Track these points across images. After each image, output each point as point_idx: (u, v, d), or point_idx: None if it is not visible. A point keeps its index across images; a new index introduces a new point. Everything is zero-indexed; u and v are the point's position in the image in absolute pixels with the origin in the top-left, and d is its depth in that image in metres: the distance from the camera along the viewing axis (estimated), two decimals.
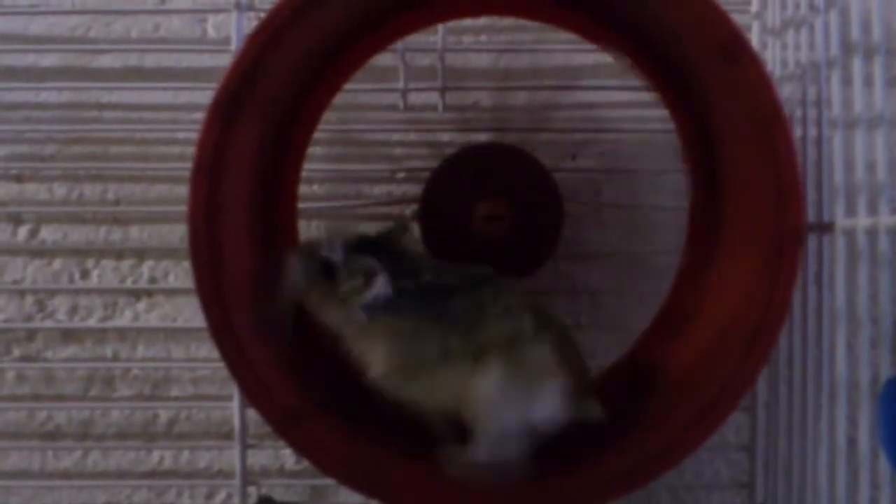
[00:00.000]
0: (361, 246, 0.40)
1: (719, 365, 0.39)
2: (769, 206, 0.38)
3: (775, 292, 0.37)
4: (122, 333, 0.55)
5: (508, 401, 0.39)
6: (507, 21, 0.54)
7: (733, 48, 0.37)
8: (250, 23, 0.49)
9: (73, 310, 0.55)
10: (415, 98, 0.54)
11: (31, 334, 0.55)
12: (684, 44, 0.41)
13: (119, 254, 0.55)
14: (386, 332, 0.39)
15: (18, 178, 0.55)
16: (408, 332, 0.39)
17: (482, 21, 0.54)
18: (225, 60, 0.46)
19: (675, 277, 0.48)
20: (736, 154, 0.42)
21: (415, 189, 0.52)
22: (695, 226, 0.47)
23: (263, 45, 0.39)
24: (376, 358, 0.39)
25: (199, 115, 0.39)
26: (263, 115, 0.41)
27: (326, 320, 0.40)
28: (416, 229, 0.45)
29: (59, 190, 0.55)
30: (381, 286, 0.38)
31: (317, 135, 0.48)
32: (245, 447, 0.50)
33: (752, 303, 0.38)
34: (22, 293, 0.55)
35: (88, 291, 0.55)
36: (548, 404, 0.39)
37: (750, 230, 0.40)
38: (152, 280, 0.55)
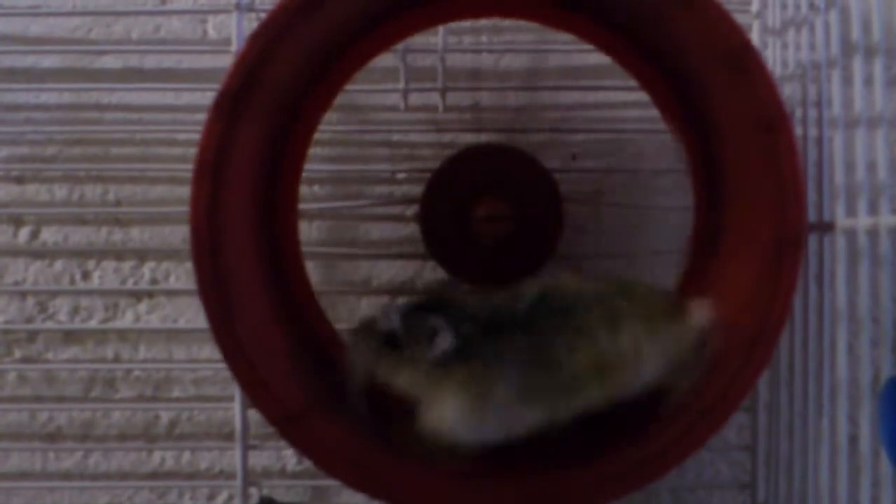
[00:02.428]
0: (416, 308, 0.40)
1: (720, 366, 0.39)
2: (770, 207, 0.38)
3: (777, 294, 0.37)
4: (123, 334, 0.55)
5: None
6: (508, 22, 0.54)
7: (742, 58, 0.37)
8: (251, 23, 0.49)
9: (75, 311, 0.55)
10: (415, 99, 0.54)
11: (32, 335, 0.55)
12: (686, 46, 0.41)
13: (120, 255, 0.55)
14: (458, 382, 0.39)
15: (19, 180, 0.55)
16: (479, 376, 0.39)
17: (483, 22, 0.54)
18: (226, 61, 0.47)
19: (674, 278, 0.48)
20: (737, 156, 0.41)
21: (415, 189, 0.52)
22: (695, 226, 0.47)
23: (265, 45, 0.39)
24: (449, 408, 0.39)
25: (200, 116, 0.39)
26: (265, 115, 0.41)
27: (401, 388, 0.40)
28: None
29: (60, 191, 0.55)
30: (444, 339, 0.38)
31: (318, 135, 0.48)
32: (246, 448, 0.50)
33: (753, 304, 0.38)
34: (23, 294, 0.55)
35: (90, 293, 0.55)
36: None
37: (751, 231, 0.40)
38: (153, 281, 0.55)
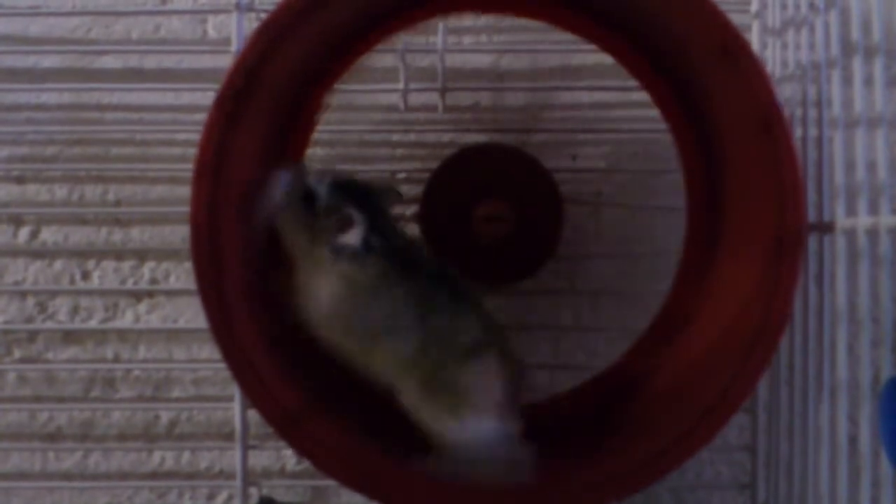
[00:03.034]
0: (348, 190, 0.40)
1: (720, 367, 0.39)
2: (770, 206, 0.38)
3: (776, 294, 0.37)
4: (123, 335, 0.55)
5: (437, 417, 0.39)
6: (507, 21, 0.54)
7: (733, 50, 0.37)
8: (251, 23, 0.49)
9: (74, 311, 0.55)
10: (415, 99, 0.54)
11: (32, 335, 0.55)
12: (684, 45, 0.41)
13: (120, 255, 0.55)
14: (340, 279, 0.39)
15: (19, 180, 0.55)
16: (360, 287, 0.39)
17: (482, 22, 0.54)
18: (225, 61, 0.47)
19: (674, 278, 0.48)
20: (736, 155, 0.42)
21: (415, 190, 0.52)
22: (694, 226, 0.47)
23: (266, 45, 0.39)
24: (320, 300, 0.39)
25: (200, 116, 0.39)
26: (265, 115, 0.41)
27: (289, 244, 0.40)
28: (401, 195, 0.45)
29: (60, 191, 0.55)
30: (354, 235, 0.39)
31: (317, 135, 0.48)
32: (246, 448, 0.50)
33: (753, 305, 0.38)
34: (23, 294, 0.55)
35: (89, 293, 0.55)
36: (479, 425, 0.39)
37: (750, 231, 0.40)
38: (153, 281, 0.55)
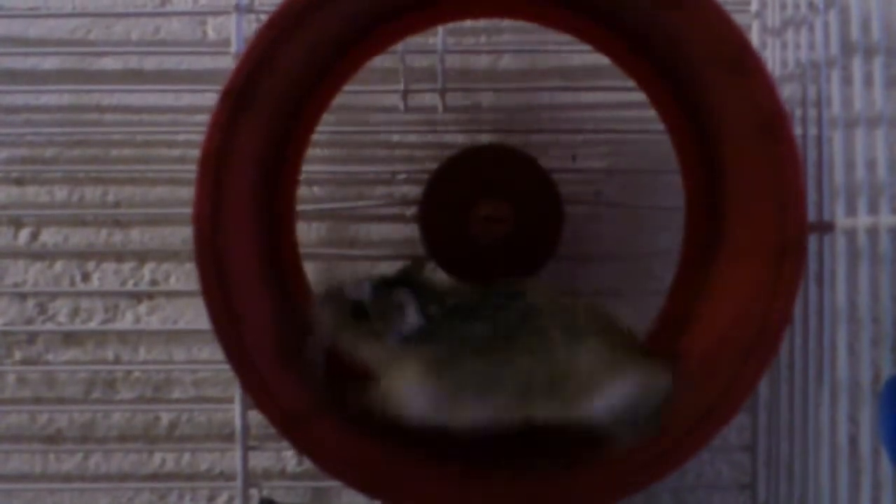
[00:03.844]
0: (386, 283, 0.41)
1: (720, 368, 0.39)
2: (771, 209, 0.38)
3: (777, 296, 0.37)
4: (123, 336, 0.55)
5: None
6: (507, 22, 0.54)
7: (742, 59, 0.37)
8: (250, 25, 0.49)
9: (75, 312, 0.55)
10: (415, 100, 0.54)
11: (32, 337, 0.55)
12: (685, 47, 0.41)
13: (120, 256, 0.55)
14: (419, 361, 0.39)
15: (19, 181, 0.55)
16: (440, 358, 0.39)
17: (482, 23, 0.54)
18: (225, 62, 0.47)
19: (674, 279, 0.48)
20: (737, 156, 0.41)
21: (415, 190, 0.52)
22: (694, 227, 0.47)
23: (268, 45, 0.39)
24: (406, 382, 0.39)
25: (200, 118, 0.39)
26: (267, 116, 0.41)
27: (362, 359, 0.41)
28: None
29: (60, 193, 0.55)
30: (411, 314, 0.39)
31: (317, 136, 0.48)
32: (246, 449, 0.50)
33: (753, 306, 0.38)
34: (23, 296, 0.55)
35: (89, 294, 0.55)
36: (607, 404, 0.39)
37: (751, 233, 0.40)
38: (153, 282, 0.55)
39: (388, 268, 0.53)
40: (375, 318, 0.40)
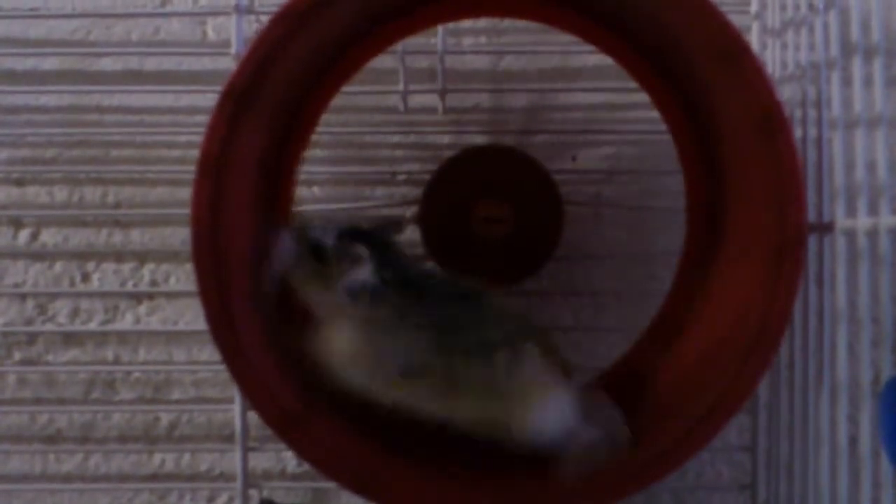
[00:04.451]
0: (353, 234, 0.40)
1: (720, 369, 0.39)
2: (770, 208, 0.38)
3: (777, 297, 0.37)
4: (123, 337, 0.55)
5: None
6: (507, 23, 0.54)
7: (734, 51, 0.37)
8: (250, 26, 0.49)
9: (74, 313, 0.55)
10: (415, 100, 0.54)
11: (32, 338, 0.55)
12: (684, 47, 0.41)
13: (120, 257, 0.55)
14: (359, 320, 0.39)
15: (19, 182, 0.55)
16: (380, 325, 0.39)
17: (482, 23, 0.54)
18: (225, 63, 0.47)
19: (674, 279, 0.48)
20: (737, 157, 0.41)
21: (415, 191, 0.52)
22: (694, 228, 0.47)
23: (269, 46, 0.39)
24: (342, 345, 0.39)
25: (200, 118, 0.39)
26: (267, 116, 0.41)
27: (307, 300, 0.41)
28: (409, 230, 0.45)
29: (60, 193, 0.55)
30: (366, 272, 0.39)
31: (317, 137, 0.48)
32: (246, 450, 0.50)
33: (753, 306, 0.38)
34: (23, 297, 0.55)
35: (89, 295, 0.55)
36: (546, 417, 0.39)
37: (751, 234, 0.40)
38: (153, 283, 0.55)
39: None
40: (331, 264, 0.39)
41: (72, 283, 0.55)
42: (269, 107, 0.41)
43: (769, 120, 0.37)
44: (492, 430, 0.39)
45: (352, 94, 0.51)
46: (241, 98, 0.38)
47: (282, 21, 0.38)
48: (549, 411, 0.39)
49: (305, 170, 0.48)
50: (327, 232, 0.40)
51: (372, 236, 0.41)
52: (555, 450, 0.39)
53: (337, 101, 0.47)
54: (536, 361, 0.40)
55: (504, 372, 0.39)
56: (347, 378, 0.39)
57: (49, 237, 0.55)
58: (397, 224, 0.44)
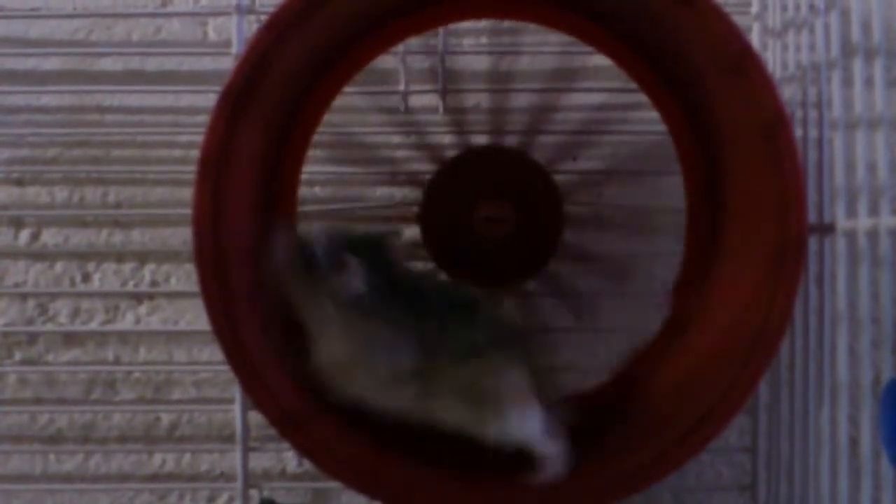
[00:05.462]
0: (343, 243, 0.40)
1: (720, 369, 0.39)
2: (771, 211, 0.38)
3: (777, 298, 0.37)
4: (123, 337, 0.55)
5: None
6: (508, 23, 0.54)
7: (742, 61, 0.37)
8: (251, 26, 0.49)
9: (75, 313, 0.55)
10: (415, 100, 0.54)
11: (32, 338, 0.55)
12: (687, 50, 0.41)
13: (120, 257, 0.55)
14: (349, 328, 0.39)
15: (20, 182, 0.55)
16: (369, 333, 0.39)
17: (483, 24, 0.54)
18: (226, 63, 0.47)
19: (675, 280, 0.48)
20: (738, 158, 0.42)
21: (415, 192, 0.52)
22: (694, 228, 0.47)
23: (268, 46, 0.39)
24: (333, 354, 0.40)
25: (201, 118, 0.39)
26: (267, 116, 0.41)
27: (299, 309, 0.41)
28: (409, 229, 0.45)
29: (61, 193, 0.55)
30: (354, 280, 0.39)
31: (318, 137, 0.48)
32: (247, 450, 0.50)
33: (753, 308, 0.38)
34: (23, 297, 0.55)
35: (90, 295, 0.55)
36: (514, 426, 0.39)
37: (752, 235, 0.40)
38: (154, 283, 0.55)
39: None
40: (321, 274, 0.39)
41: (72, 283, 0.55)
42: (268, 107, 0.41)
43: (773, 124, 0.37)
44: (469, 432, 0.40)
45: (352, 95, 0.50)
46: (240, 99, 0.39)
47: (278, 22, 0.39)
48: (516, 420, 0.39)
49: (306, 170, 0.48)
50: (319, 239, 0.40)
51: (364, 245, 0.41)
52: (527, 456, 0.39)
53: (337, 101, 0.47)
54: (514, 373, 0.40)
55: (481, 378, 0.39)
56: (340, 386, 0.40)
57: (50, 237, 0.55)
58: (395, 235, 0.44)
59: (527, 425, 0.40)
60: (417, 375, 0.39)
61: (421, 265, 0.50)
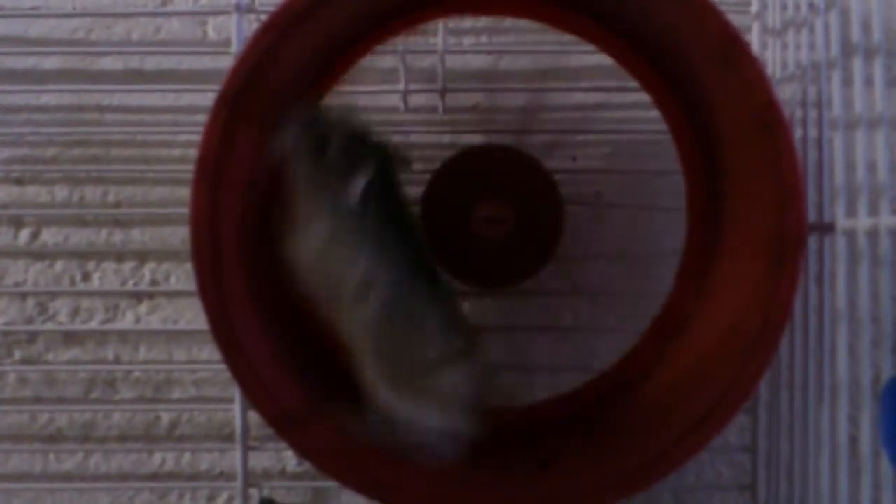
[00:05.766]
0: (361, 142, 0.40)
1: (720, 369, 0.39)
2: (770, 209, 0.38)
3: (776, 297, 0.37)
4: (123, 336, 0.55)
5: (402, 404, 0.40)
6: (508, 23, 0.54)
7: (733, 52, 0.37)
8: (251, 25, 0.49)
9: (75, 312, 0.55)
10: (415, 100, 0.54)
11: (32, 337, 0.55)
12: (684, 48, 0.41)
13: (120, 256, 0.55)
14: (329, 228, 0.39)
15: (19, 181, 0.55)
16: (345, 241, 0.39)
17: (483, 22, 0.54)
18: (226, 62, 0.47)
19: (674, 279, 0.48)
20: (736, 157, 0.42)
21: (415, 191, 0.52)
22: (694, 228, 0.47)
23: (267, 45, 0.39)
24: (308, 246, 0.39)
25: (201, 118, 0.39)
26: (266, 116, 0.41)
27: (293, 186, 0.40)
28: (410, 164, 0.44)
29: (61, 192, 0.55)
30: (355, 187, 0.39)
31: None
32: (247, 449, 0.50)
33: (753, 306, 0.38)
34: (23, 296, 0.55)
35: (90, 294, 0.55)
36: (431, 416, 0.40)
37: (751, 233, 0.40)
38: (154, 282, 0.55)
39: None
40: (329, 163, 0.39)
41: (72, 283, 0.55)
42: (267, 107, 0.41)
43: (768, 122, 0.37)
44: (382, 392, 0.40)
45: (352, 94, 0.50)
46: (237, 100, 0.39)
47: (277, 22, 0.39)
48: (434, 416, 0.40)
49: None
50: (339, 130, 0.39)
51: (377, 155, 0.40)
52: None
53: (337, 100, 0.46)
54: (458, 372, 0.40)
55: (428, 372, 0.39)
56: (308, 284, 0.39)
57: (49, 236, 0.55)
58: (406, 161, 0.43)
59: (427, 417, 0.39)
60: (376, 308, 0.39)
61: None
